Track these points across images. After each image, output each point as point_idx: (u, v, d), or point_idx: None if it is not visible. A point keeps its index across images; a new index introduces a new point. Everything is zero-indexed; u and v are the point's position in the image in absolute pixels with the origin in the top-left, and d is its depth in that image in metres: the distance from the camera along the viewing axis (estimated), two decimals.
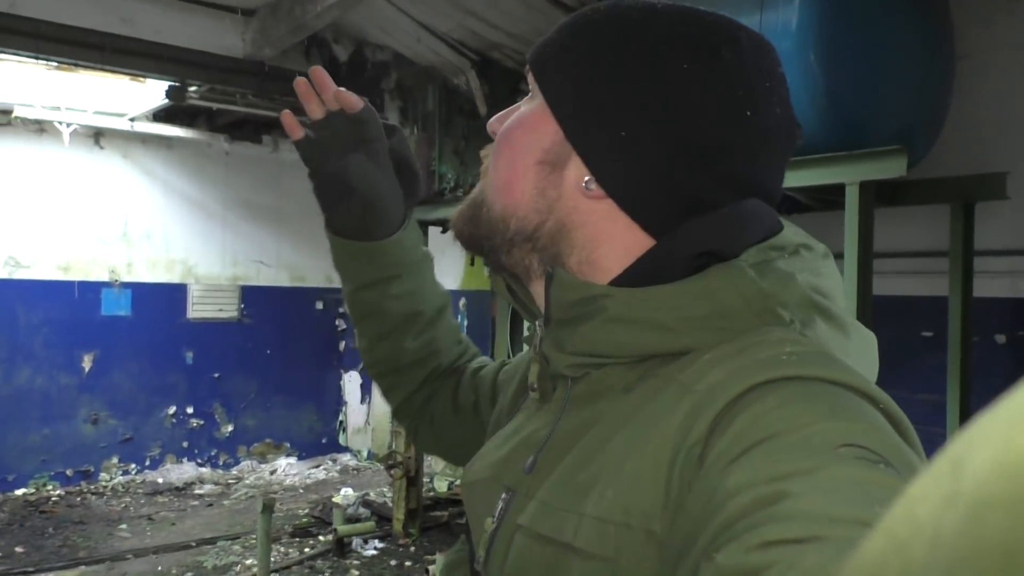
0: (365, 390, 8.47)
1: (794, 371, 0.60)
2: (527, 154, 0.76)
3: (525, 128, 0.77)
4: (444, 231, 5.93)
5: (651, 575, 0.60)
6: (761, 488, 0.50)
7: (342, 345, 8.63)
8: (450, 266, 7.16)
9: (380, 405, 8.32)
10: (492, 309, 6.56)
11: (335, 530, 5.57)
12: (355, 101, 0.97)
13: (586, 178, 0.74)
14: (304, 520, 6.25)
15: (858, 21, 3.30)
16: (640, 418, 0.67)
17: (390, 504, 6.22)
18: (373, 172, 0.96)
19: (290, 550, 5.67)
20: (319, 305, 8.49)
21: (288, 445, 8.28)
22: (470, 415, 1.06)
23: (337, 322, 8.61)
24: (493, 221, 0.78)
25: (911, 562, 0.24)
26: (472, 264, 6.82)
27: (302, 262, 8.32)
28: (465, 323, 7.20)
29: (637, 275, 0.72)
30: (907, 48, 3.40)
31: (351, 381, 8.60)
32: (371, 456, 8.35)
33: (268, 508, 4.14)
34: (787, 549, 0.44)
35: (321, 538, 5.89)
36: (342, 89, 0.97)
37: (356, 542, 5.69)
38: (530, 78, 0.78)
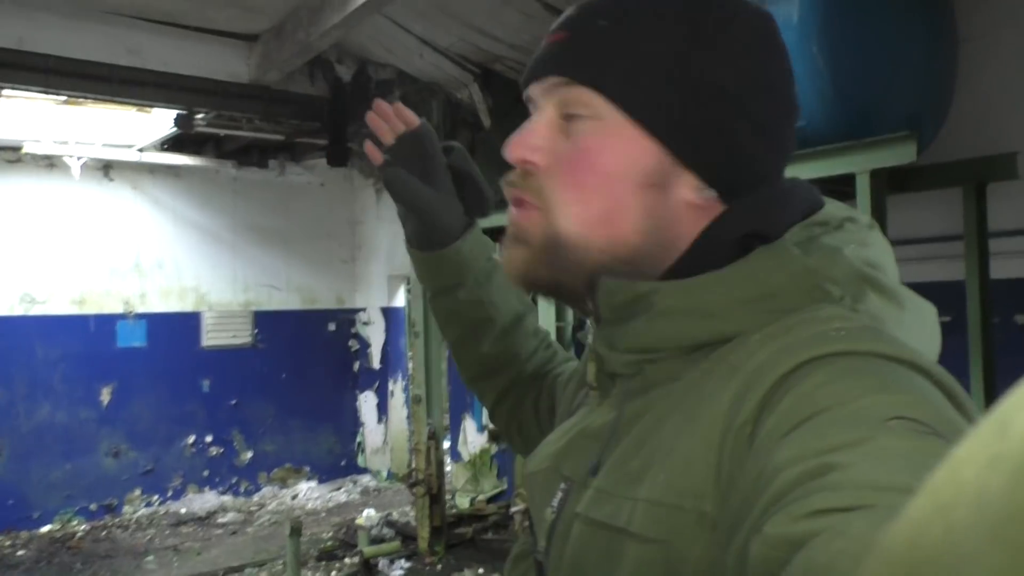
0: (381, 410, 8.46)
1: (843, 346, 0.60)
2: (625, 180, 0.71)
3: (612, 152, 0.71)
4: None
5: (703, 555, 0.60)
6: (810, 461, 0.50)
7: (356, 366, 8.64)
8: None
9: (397, 424, 8.31)
10: None
11: (361, 552, 5.55)
12: (413, 117, 1.03)
13: (701, 190, 0.72)
14: (329, 544, 6.23)
15: (859, 10, 3.31)
16: (689, 401, 0.67)
17: (413, 523, 6.20)
18: (421, 187, 0.99)
19: (317, 574, 5.65)
20: (331, 327, 8.51)
21: (308, 469, 8.27)
22: (547, 421, 1.05)
23: (350, 343, 8.62)
24: (587, 258, 0.73)
25: (955, 524, 0.23)
26: None
27: (312, 284, 8.35)
28: None
29: (686, 264, 0.72)
30: (910, 33, 3.41)
31: (367, 401, 8.60)
32: (391, 476, 8.33)
33: (296, 531, 4.14)
34: (835, 517, 0.44)
35: (347, 560, 5.87)
36: (400, 104, 1.04)
37: (383, 563, 5.66)
38: (575, 93, 0.71)
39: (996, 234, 3.58)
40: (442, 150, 1.02)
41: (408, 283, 8.08)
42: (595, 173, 0.71)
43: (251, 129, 5.80)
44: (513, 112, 5.56)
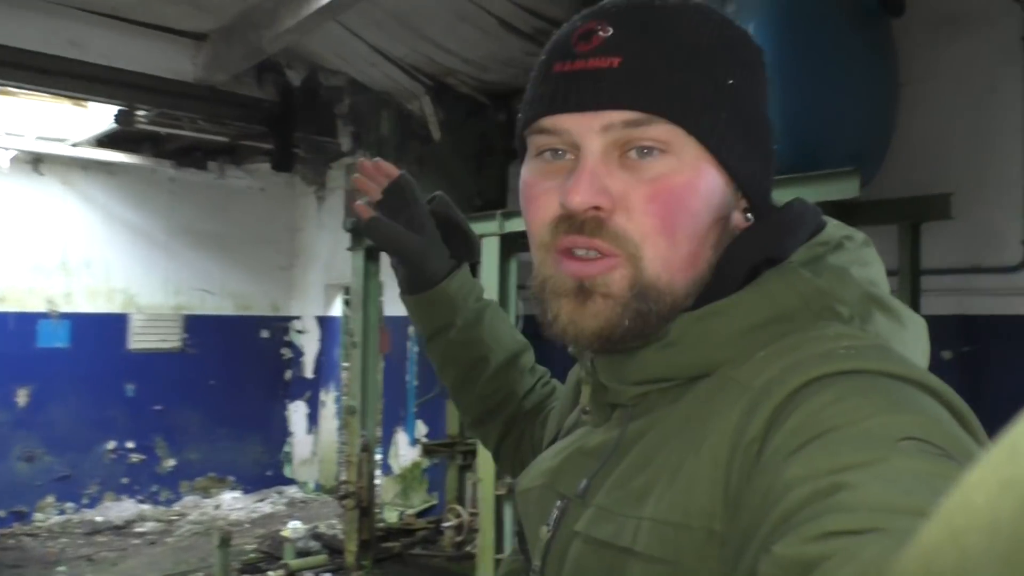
0: (312, 420, 8.32)
1: (851, 365, 0.59)
2: (707, 217, 0.70)
3: (696, 190, 0.69)
4: None
5: (713, 574, 0.59)
6: (821, 480, 0.49)
7: (288, 374, 8.48)
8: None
9: (327, 435, 8.18)
10: None
11: (286, 564, 5.44)
12: (393, 169, 1.06)
13: (747, 216, 0.74)
14: (252, 556, 6.07)
15: (812, 47, 3.42)
16: (695, 419, 0.66)
17: (341, 536, 6.09)
18: (403, 232, 1.01)
19: None
20: (264, 334, 8.34)
21: (232, 479, 8.07)
22: None
23: (283, 351, 8.46)
24: (672, 303, 0.71)
25: (968, 549, 0.23)
26: None
27: (247, 290, 8.18)
28: (416, 349, 7.15)
29: (708, 291, 0.72)
30: (856, 74, 3.54)
31: (297, 411, 8.44)
32: (318, 487, 8.19)
33: (225, 542, 4.03)
34: (846, 540, 0.43)
35: (271, 573, 5.72)
36: (380, 160, 1.07)
37: None
38: (647, 127, 0.68)
39: (928, 271, 3.72)
40: (427, 199, 1.05)
41: (346, 292, 7.99)
42: (687, 213, 0.69)
43: (194, 129, 5.68)
44: (464, 126, 5.57)
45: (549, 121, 0.71)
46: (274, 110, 5.40)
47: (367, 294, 5.65)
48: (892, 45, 3.73)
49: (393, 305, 7.07)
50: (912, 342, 0.71)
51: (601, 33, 0.70)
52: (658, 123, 0.68)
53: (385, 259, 5.71)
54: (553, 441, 0.89)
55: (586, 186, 0.68)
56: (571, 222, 0.70)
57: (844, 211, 3.63)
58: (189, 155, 7.23)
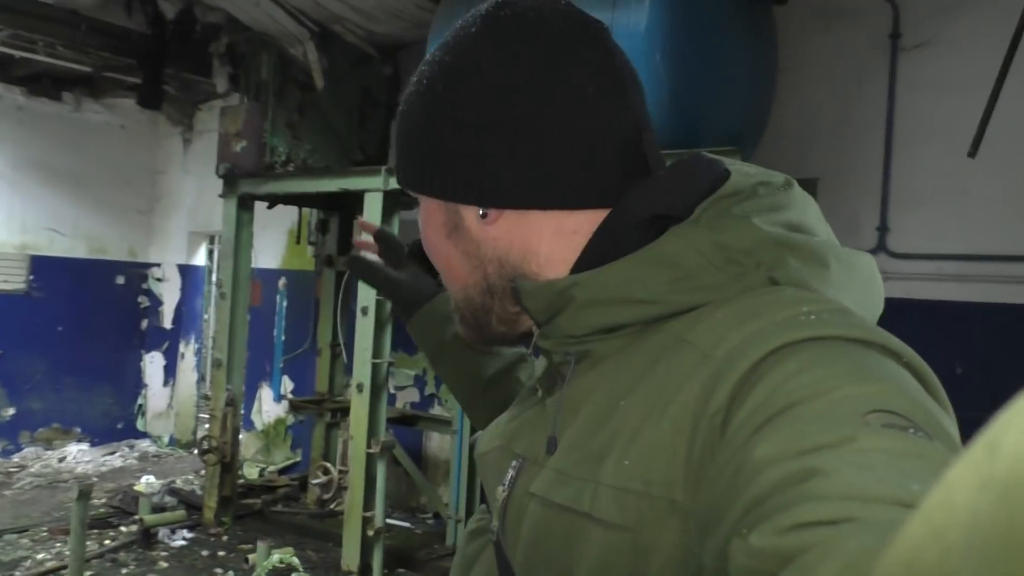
0: (168, 372, 7.98)
1: (813, 332, 0.59)
2: (439, 240, 0.83)
3: (426, 226, 0.84)
4: (270, 206, 5.71)
5: (674, 545, 0.59)
6: (791, 463, 0.49)
7: (144, 324, 8.08)
8: (271, 244, 6.90)
9: (185, 388, 7.87)
10: (316, 289, 6.39)
11: (141, 520, 5.22)
12: (372, 226, 1.22)
13: (479, 212, 0.79)
14: (102, 511, 5.80)
15: (699, 30, 3.52)
16: (652, 381, 0.66)
17: (199, 492, 5.91)
18: (381, 268, 1.17)
19: (88, 542, 5.24)
20: (120, 280, 7.89)
21: (79, 430, 7.64)
22: None
23: (140, 299, 8.04)
24: (473, 310, 0.83)
25: (949, 548, 0.24)
26: (297, 243, 6.60)
27: (103, 233, 7.69)
28: (285, 303, 6.96)
29: (596, 253, 0.73)
30: (739, 58, 3.67)
31: (153, 362, 8.07)
32: (173, 442, 7.89)
33: (85, 495, 3.82)
34: (822, 531, 0.43)
35: (123, 529, 5.50)
36: (361, 218, 1.29)
37: (163, 532, 5.36)
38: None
39: None
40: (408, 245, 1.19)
41: (214, 241, 7.66)
42: (432, 247, 0.85)
43: (50, 56, 5.24)
44: (350, 76, 5.40)
45: None
46: (144, 42, 5.05)
47: (239, 244, 5.44)
48: (774, 32, 3.89)
49: (265, 256, 6.85)
50: (843, 282, 0.70)
51: None
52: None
53: (259, 208, 5.52)
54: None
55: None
56: None
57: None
58: (40, 83, 6.68)
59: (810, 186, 3.74)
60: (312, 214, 6.29)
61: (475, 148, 0.76)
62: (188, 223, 7.80)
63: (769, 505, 0.48)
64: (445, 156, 0.78)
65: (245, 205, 5.43)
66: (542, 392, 0.80)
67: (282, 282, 6.98)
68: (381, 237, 1.20)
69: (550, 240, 0.76)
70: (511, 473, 0.76)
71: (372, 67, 5.57)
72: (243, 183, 5.28)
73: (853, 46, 4.10)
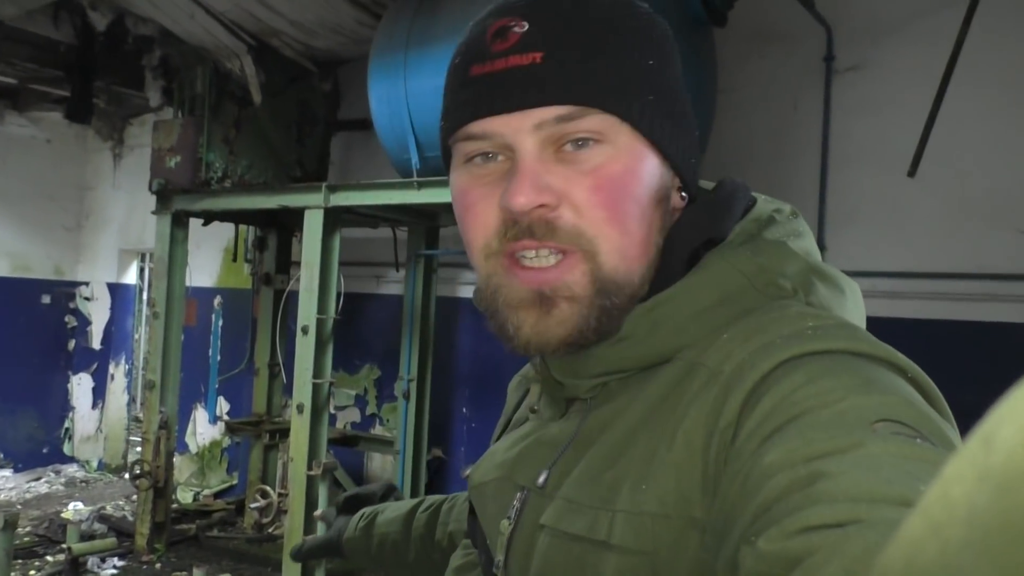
0: (97, 394, 7.70)
1: (819, 345, 0.60)
2: (650, 201, 0.71)
3: (636, 175, 0.70)
4: (206, 223, 5.57)
5: (692, 563, 0.59)
6: (799, 469, 0.49)
7: (71, 344, 7.79)
8: (206, 262, 6.74)
9: (115, 411, 7.62)
10: (254, 308, 6.25)
11: (68, 549, 5.00)
12: (325, 515, 1.42)
13: (681, 191, 0.75)
14: (27, 540, 5.55)
15: None
16: (664, 407, 0.65)
17: (131, 518, 5.70)
18: (320, 538, 1.36)
19: (11, 573, 5.00)
20: (46, 300, 7.59)
21: (1, 456, 7.32)
22: None
23: (67, 319, 7.75)
24: (633, 293, 0.70)
25: (948, 542, 0.24)
26: (234, 260, 6.45)
27: (26, 250, 7.40)
28: (221, 323, 6.79)
29: (662, 275, 0.72)
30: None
31: (80, 384, 7.78)
32: (103, 467, 7.61)
33: (11, 525, 3.64)
34: (828, 534, 0.43)
35: (50, 558, 5.27)
36: (316, 513, 1.47)
37: (92, 561, 5.15)
38: (581, 119, 0.68)
39: None
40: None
41: (146, 260, 7.44)
42: (632, 200, 0.69)
43: None
44: (286, 92, 5.32)
45: (478, 126, 0.69)
46: (72, 54, 4.88)
47: (172, 262, 5.29)
48: (714, 53, 3.95)
49: (200, 274, 6.68)
50: (853, 308, 0.73)
51: (516, 29, 0.68)
52: (590, 114, 0.67)
53: (194, 225, 5.37)
54: (498, 439, 0.87)
55: (528, 186, 0.66)
56: (518, 227, 0.68)
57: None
58: None
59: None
60: (249, 231, 6.16)
61: (694, 126, 0.75)
62: (118, 240, 7.57)
63: (777, 510, 0.48)
64: (685, 117, 0.74)
65: (179, 222, 5.28)
66: (545, 420, 0.78)
67: (217, 300, 6.81)
68: (329, 517, 1.39)
69: None
70: (516, 505, 0.73)
71: (311, 82, 5.49)
72: (177, 199, 5.14)
73: (788, 69, 4.19)
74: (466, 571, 0.83)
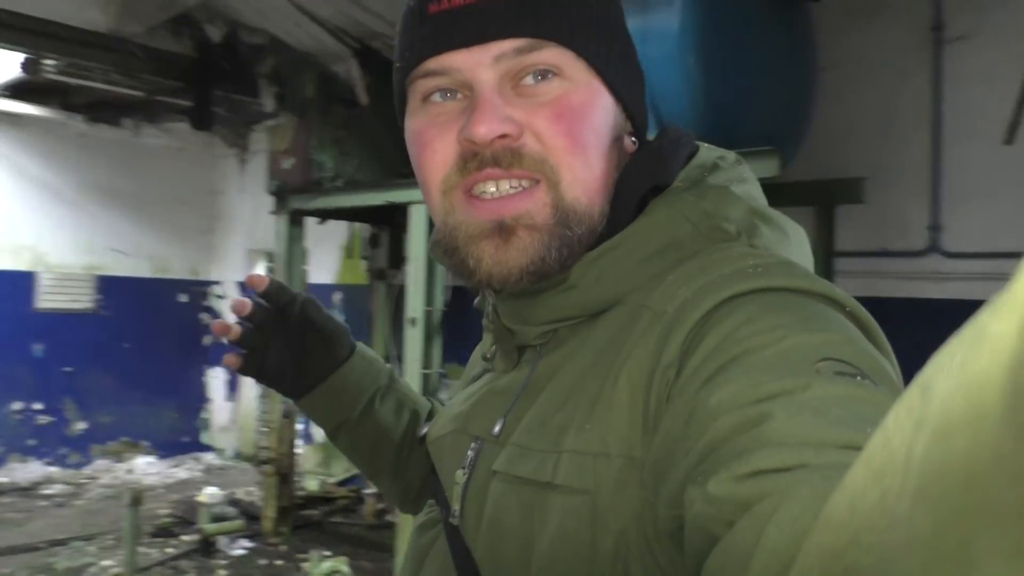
0: (231, 387, 8.17)
1: (760, 283, 0.60)
2: (605, 136, 0.71)
3: (595, 108, 0.70)
4: (322, 221, 5.81)
5: (632, 502, 0.59)
6: (747, 410, 0.50)
7: (206, 340, 8.28)
8: (326, 259, 7.01)
9: (247, 402, 8.05)
10: (370, 302, 6.47)
11: (201, 529, 5.35)
12: (260, 280, 0.97)
13: (631, 136, 0.75)
14: (166, 520, 5.96)
15: (735, 28, 3.45)
16: (609, 349, 0.66)
17: (259, 503, 6.03)
18: (271, 368, 0.97)
19: (151, 550, 5.39)
20: (183, 298, 8.12)
21: (147, 444, 7.88)
22: None
23: (201, 316, 8.26)
24: (592, 227, 0.70)
25: (888, 490, 0.24)
26: (351, 257, 6.69)
27: (165, 252, 7.93)
28: (342, 318, 7.05)
29: (611, 221, 0.72)
30: (776, 58, 3.59)
31: (215, 377, 8.27)
32: (237, 455, 8.07)
33: (136, 502, 3.94)
34: (778, 478, 0.44)
35: (185, 538, 5.64)
36: (251, 274, 0.98)
37: (223, 542, 5.48)
38: (541, 53, 0.68)
39: (840, 254, 3.84)
40: (295, 304, 0.98)
41: (271, 259, 7.83)
42: (592, 131, 0.69)
43: (105, 82, 5.43)
44: (390, 92, 5.46)
45: (435, 62, 0.69)
46: (191, 66, 5.19)
47: (291, 260, 5.54)
48: (811, 30, 3.79)
49: (320, 271, 6.97)
50: (797, 249, 0.73)
51: None
52: (548, 47, 0.68)
53: (314, 224, 5.61)
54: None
55: (489, 115, 0.66)
56: (479, 158, 0.68)
57: (763, 191, 3.71)
58: (100, 110, 6.92)
59: (856, 185, 3.63)
60: (364, 229, 6.37)
61: (643, 76, 0.77)
62: (246, 241, 7.99)
63: (725, 451, 0.48)
64: (636, 64, 0.76)
65: (296, 221, 5.53)
66: (498, 372, 0.79)
67: (337, 296, 7.08)
68: (272, 293, 0.97)
69: None
70: (471, 455, 0.74)
71: None
72: (293, 199, 5.38)
73: (893, 40, 3.97)
74: (428, 528, 0.83)
